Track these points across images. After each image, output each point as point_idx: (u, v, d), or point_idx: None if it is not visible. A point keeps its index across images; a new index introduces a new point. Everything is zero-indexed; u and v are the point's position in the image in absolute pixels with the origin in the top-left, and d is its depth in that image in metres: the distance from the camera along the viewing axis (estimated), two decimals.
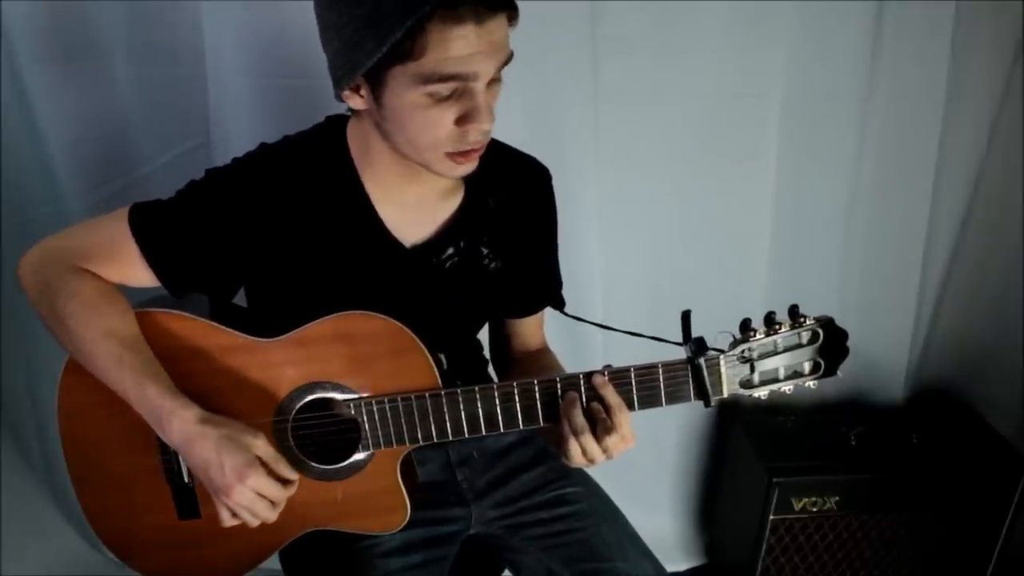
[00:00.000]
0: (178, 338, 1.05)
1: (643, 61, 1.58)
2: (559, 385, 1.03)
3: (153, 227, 1.04)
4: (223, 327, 1.05)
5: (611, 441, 0.99)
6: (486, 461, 1.24)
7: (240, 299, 1.16)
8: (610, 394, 1.00)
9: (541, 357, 1.29)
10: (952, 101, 1.67)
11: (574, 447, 0.99)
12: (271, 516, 0.99)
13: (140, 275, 1.05)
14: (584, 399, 1.02)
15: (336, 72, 0.96)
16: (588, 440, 0.99)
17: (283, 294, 1.09)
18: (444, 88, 0.90)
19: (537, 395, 1.03)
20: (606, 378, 1.01)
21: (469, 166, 0.99)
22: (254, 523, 0.99)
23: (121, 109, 1.58)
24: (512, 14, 0.92)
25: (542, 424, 1.04)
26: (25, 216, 1.62)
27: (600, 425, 0.99)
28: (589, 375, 1.02)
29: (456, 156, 0.97)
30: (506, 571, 1.29)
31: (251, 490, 0.95)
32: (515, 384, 1.03)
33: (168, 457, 1.08)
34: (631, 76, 1.59)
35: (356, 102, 0.97)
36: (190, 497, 1.09)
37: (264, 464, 0.97)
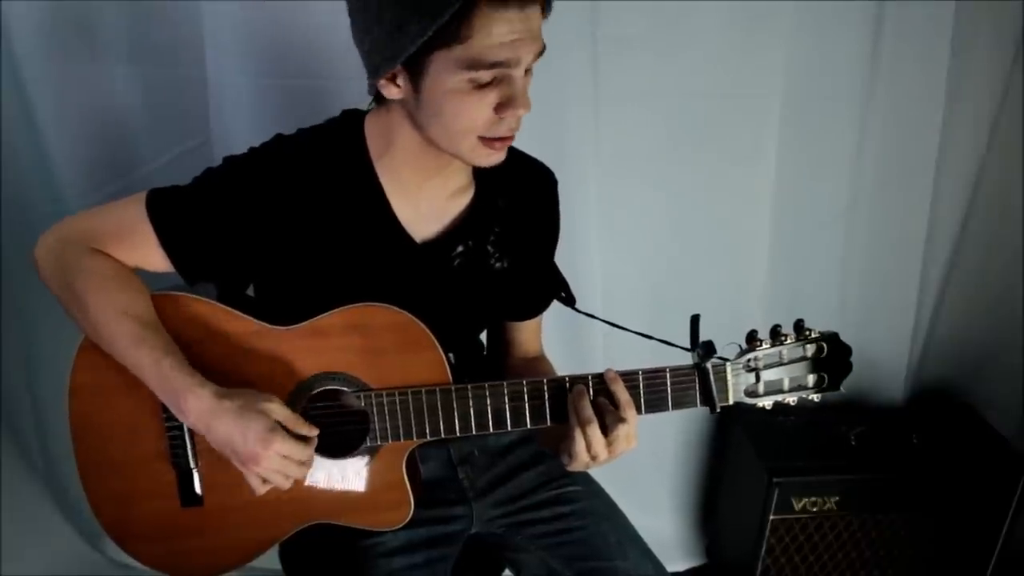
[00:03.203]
0: (193, 322, 1.05)
1: (643, 61, 1.58)
2: (568, 383, 1.03)
3: (170, 212, 1.04)
4: (239, 313, 1.06)
5: (617, 434, 0.98)
6: (487, 460, 1.24)
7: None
8: (620, 390, 1.01)
9: (539, 364, 1.29)
10: (952, 101, 1.67)
11: (579, 440, 0.99)
12: (302, 472, 1.01)
13: (155, 260, 1.06)
14: (592, 393, 1.02)
15: (374, 60, 0.96)
16: (594, 432, 0.99)
17: (292, 284, 1.09)
18: (486, 74, 0.92)
19: (546, 393, 1.04)
20: (617, 374, 1.02)
21: (500, 155, 1.01)
22: (287, 485, 1.01)
23: (121, 109, 1.58)
24: (547, 4, 0.94)
25: (549, 423, 1.04)
26: (25, 216, 1.62)
27: (609, 416, 0.99)
28: (599, 374, 1.03)
29: (490, 143, 0.99)
30: (506, 570, 1.29)
31: (277, 454, 0.97)
32: (525, 381, 1.04)
33: (175, 442, 1.08)
34: (631, 76, 1.59)
35: (392, 92, 0.98)
36: (194, 483, 1.09)
37: (283, 427, 0.99)
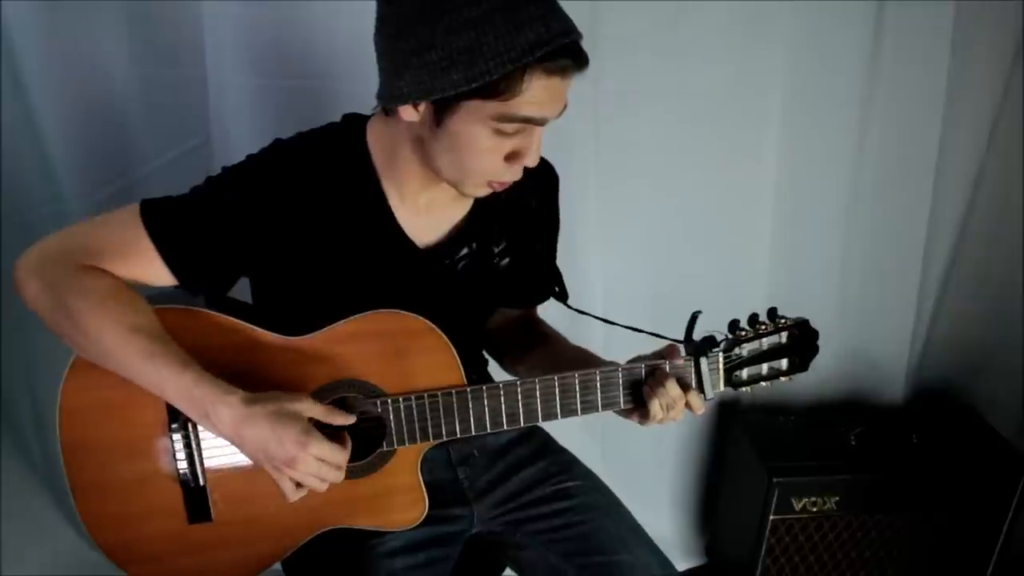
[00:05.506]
0: (203, 336, 1.03)
1: (643, 61, 1.58)
2: (576, 380, 1.07)
3: (168, 223, 1.02)
4: (249, 324, 1.05)
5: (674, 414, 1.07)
6: (487, 459, 1.24)
7: (242, 294, 1.15)
8: (672, 386, 1.06)
9: (549, 334, 1.32)
10: (952, 101, 1.68)
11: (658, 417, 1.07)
12: (338, 476, 1.00)
13: (154, 272, 1.03)
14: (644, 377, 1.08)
15: (402, 87, 0.93)
16: (676, 415, 1.08)
17: (294, 291, 1.08)
18: (511, 127, 0.93)
19: (557, 392, 1.07)
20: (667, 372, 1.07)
21: (492, 191, 1.03)
22: (322, 488, 1.00)
23: (121, 109, 1.58)
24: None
25: (559, 417, 1.08)
26: (25, 216, 1.61)
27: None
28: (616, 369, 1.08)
29: (493, 184, 1.01)
30: (507, 570, 1.29)
31: (314, 457, 0.96)
32: (537, 380, 1.07)
33: (180, 457, 1.05)
34: (631, 76, 1.59)
35: (409, 114, 0.96)
36: (202, 499, 1.06)
37: (318, 423, 0.99)
